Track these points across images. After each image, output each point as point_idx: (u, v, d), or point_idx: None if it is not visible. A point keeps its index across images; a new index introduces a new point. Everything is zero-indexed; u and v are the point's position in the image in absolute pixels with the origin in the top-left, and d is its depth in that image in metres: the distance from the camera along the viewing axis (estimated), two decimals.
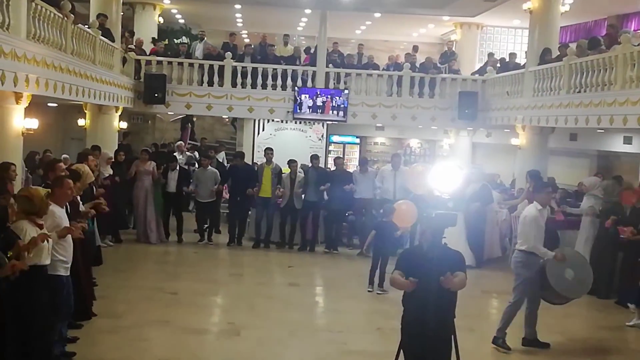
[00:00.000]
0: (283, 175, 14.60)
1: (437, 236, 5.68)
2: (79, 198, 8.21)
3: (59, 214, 6.74)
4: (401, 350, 5.78)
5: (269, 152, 15.11)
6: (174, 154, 17.08)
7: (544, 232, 8.52)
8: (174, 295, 10.45)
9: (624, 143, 14.92)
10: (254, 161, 17.25)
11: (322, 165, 16.23)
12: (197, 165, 16.26)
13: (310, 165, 15.03)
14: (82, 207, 8.27)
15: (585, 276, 8.72)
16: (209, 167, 14.86)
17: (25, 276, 5.51)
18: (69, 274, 6.81)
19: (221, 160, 17.34)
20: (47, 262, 6.19)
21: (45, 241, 5.97)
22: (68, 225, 6.79)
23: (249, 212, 15.04)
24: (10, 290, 5.49)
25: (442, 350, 5.72)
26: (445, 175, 7.09)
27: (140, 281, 11.24)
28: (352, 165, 19.64)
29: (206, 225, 15.01)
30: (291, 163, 14.85)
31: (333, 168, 16.07)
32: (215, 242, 14.95)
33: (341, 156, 15.90)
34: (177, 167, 14.75)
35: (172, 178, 14.49)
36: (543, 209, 8.55)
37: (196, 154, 19.14)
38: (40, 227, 6.06)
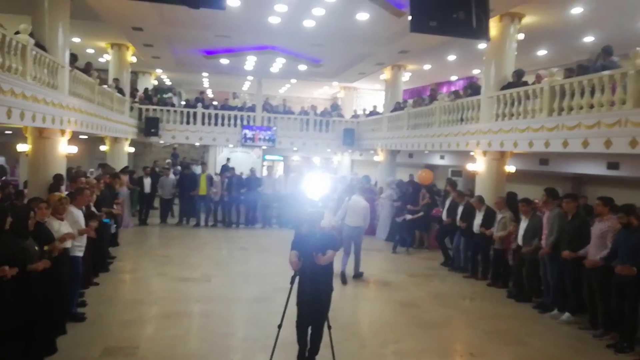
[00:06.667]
0: (214, 179, 14.52)
1: (313, 226, 5.03)
2: (92, 205, 7.43)
3: (76, 213, 6.20)
4: (289, 299, 5.01)
5: (204, 166, 15.70)
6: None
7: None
8: (167, 257, 10.35)
9: (440, 159, 15.73)
10: (215, 172, 16.93)
11: (257, 173, 16.02)
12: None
13: (234, 172, 14.93)
14: (93, 209, 7.43)
15: None
16: (170, 175, 14.75)
17: (56, 257, 5.09)
18: (82, 254, 6.24)
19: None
20: (69, 246, 5.73)
21: (70, 240, 5.68)
22: (83, 221, 6.26)
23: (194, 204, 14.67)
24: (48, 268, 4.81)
25: (321, 304, 4.99)
26: (317, 183, 6.95)
27: (143, 249, 11.06)
28: (279, 172, 19.41)
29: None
30: (222, 172, 15.19)
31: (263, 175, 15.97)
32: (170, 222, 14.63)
33: (254, 167, 16.13)
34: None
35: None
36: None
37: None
38: (62, 220, 5.65)
